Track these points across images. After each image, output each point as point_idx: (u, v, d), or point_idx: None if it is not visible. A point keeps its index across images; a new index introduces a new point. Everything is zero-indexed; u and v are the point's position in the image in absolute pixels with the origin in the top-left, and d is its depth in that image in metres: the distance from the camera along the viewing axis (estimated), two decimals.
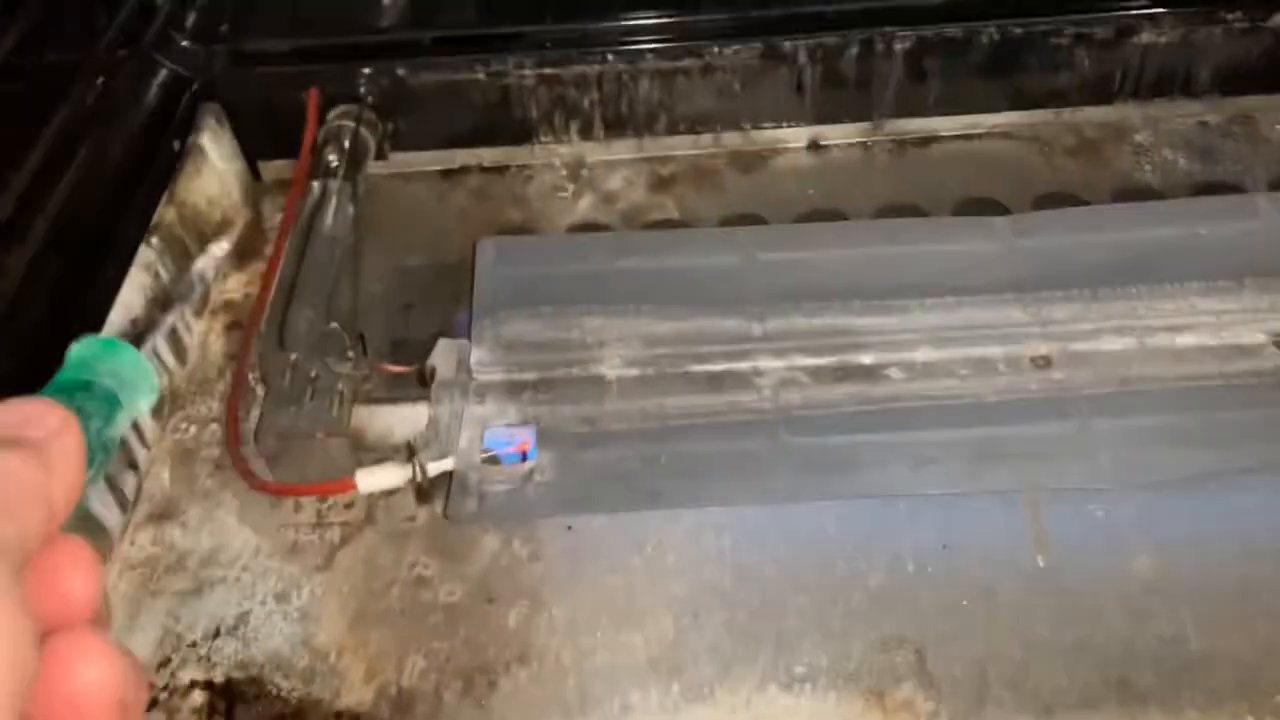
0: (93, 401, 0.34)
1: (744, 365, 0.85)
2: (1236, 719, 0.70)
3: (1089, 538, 0.80)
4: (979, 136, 1.17)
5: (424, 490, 0.83)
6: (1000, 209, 1.03)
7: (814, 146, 1.16)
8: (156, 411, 0.91)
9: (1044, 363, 0.83)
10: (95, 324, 0.84)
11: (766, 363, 0.85)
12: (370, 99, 1.12)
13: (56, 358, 0.77)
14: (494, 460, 0.80)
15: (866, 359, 0.84)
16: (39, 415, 0.29)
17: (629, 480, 0.78)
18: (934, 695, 0.72)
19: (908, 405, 0.81)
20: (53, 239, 0.81)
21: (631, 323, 0.87)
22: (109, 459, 0.34)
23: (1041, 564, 0.78)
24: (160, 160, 1.01)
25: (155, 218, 0.95)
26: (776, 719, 0.71)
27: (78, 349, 0.36)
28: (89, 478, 0.31)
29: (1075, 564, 0.78)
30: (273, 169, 1.16)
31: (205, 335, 1.01)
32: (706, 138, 1.15)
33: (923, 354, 0.84)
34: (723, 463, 0.79)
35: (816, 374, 0.84)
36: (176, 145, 1.03)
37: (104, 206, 0.91)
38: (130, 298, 0.90)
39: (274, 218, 1.12)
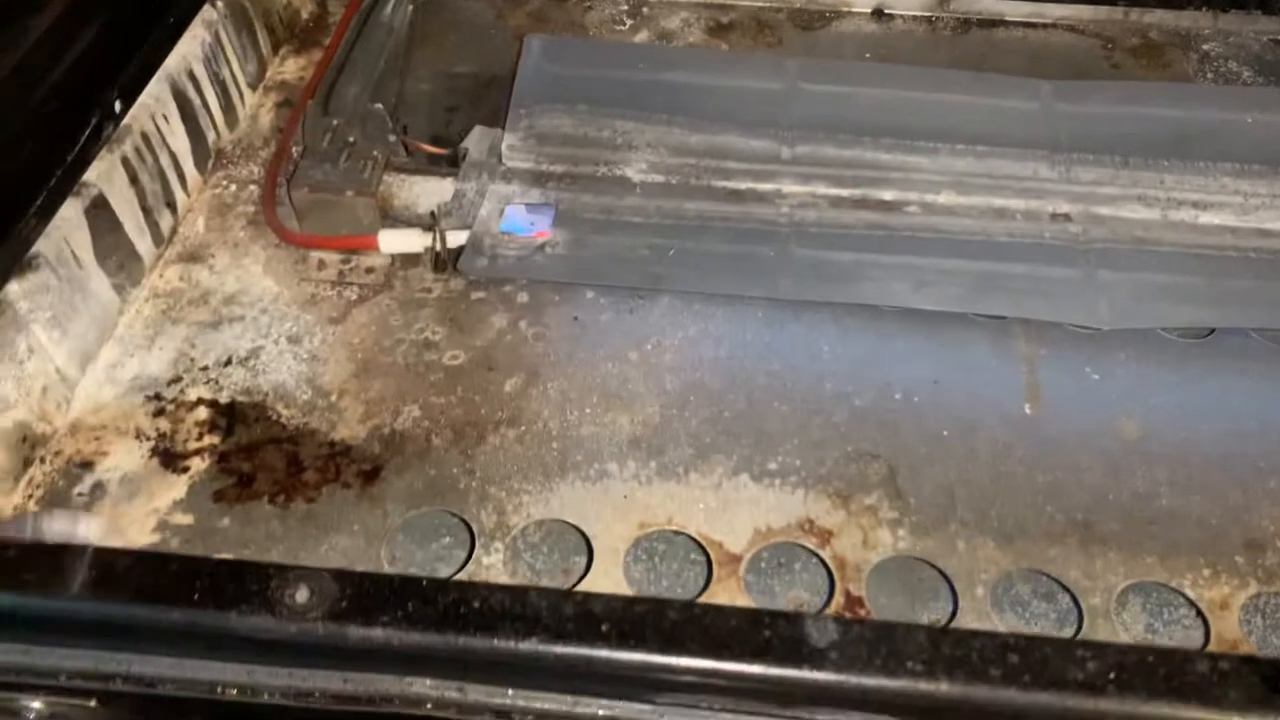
0: None
1: (767, 186, 0.86)
2: (1194, 571, 0.71)
3: (1079, 395, 0.81)
4: (1044, 26, 1.15)
5: (440, 261, 0.85)
6: None
7: (878, 14, 1.15)
8: (200, 165, 0.95)
9: (1064, 219, 0.84)
10: (155, 60, 0.88)
11: (789, 186, 0.86)
12: None
13: (105, 69, 0.80)
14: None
15: (888, 194, 0.85)
16: None
17: (637, 264, 0.80)
18: (900, 506, 0.74)
19: (919, 236, 0.82)
20: None
21: (664, 131, 0.88)
22: None
23: (1029, 411, 0.79)
24: None
25: None
26: (743, 505, 0.74)
27: None
28: None
29: (1062, 416, 0.79)
30: None
31: (256, 108, 1.04)
32: None
33: (945, 197, 0.85)
34: (730, 262, 0.81)
35: (836, 202, 0.85)
36: None
37: None
38: (189, 49, 0.93)
39: (337, 14, 1.14)
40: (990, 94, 0.92)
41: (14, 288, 0.74)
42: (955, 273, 0.80)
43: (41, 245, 0.76)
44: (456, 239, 0.84)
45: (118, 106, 0.84)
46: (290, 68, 1.09)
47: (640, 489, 0.75)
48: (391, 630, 0.53)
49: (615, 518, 0.73)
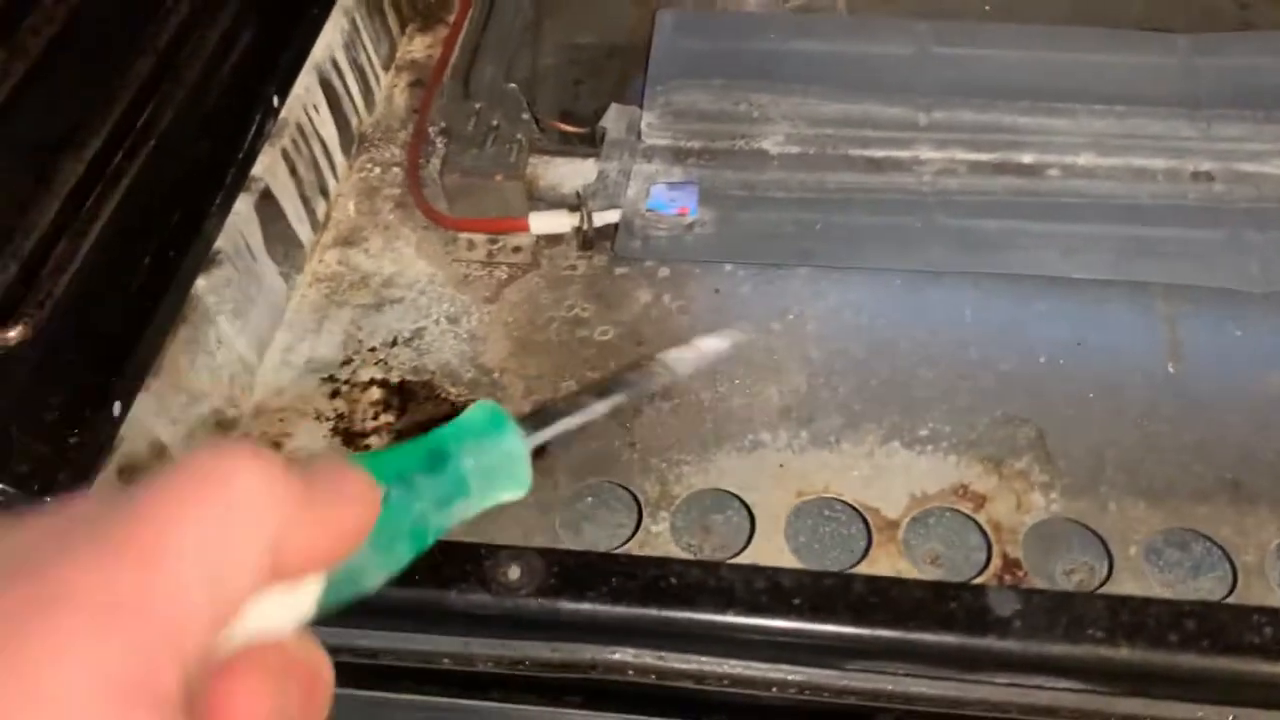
0: (434, 482, 0.30)
1: (905, 154, 0.87)
2: None
3: (1223, 351, 0.81)
4: None
5: (588, 240, 0.89)
6: None
7: None
8: (346, 150, 0.99)
9: (1206, 178, 0.84)
10: (303, 52, 0.92)
11: (928, 153, 0.87)
12: None
13: (264, 68, 0.83)
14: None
15: (1027, 158, 0.86)
16: (341, 481, 0.27)
17: (784, 239, 0.83)
18: (1050, 470, 0.76)
19: (1063, 201, 0.83)
20: None
21: (799, 102, 0.90)
22: (426, 545, 0.30)
23: (1172, 370, 0.80)
24: None
25: None
26: (895, 472, 0.77)
27: (471, 414, 0.32)
28: (394, 559, 0.29)
29: (1206, 374, 0.80)
30: None
31: (390, 89, 1.07)
32: None
33: (1085, 158, 0.85)
34: (876, 234, 0.83)
35: (976, 167, 0.86)
36: None
37: None
38: (331, 37, 0.96)
39: None
40: (1126, 51, 0.92)
41: (201, 283, 0.79)
42: (1102, 238, 0.81)
43: (221, 241, 0.81)
44: (603, 219, 0.87)
45: (275, 101, 0.88)
46: (418, 45, 1.12)
47: (795, 458, 0.78)
48: (598, 605, 0.58)
49: (773, 486, 0.77)
